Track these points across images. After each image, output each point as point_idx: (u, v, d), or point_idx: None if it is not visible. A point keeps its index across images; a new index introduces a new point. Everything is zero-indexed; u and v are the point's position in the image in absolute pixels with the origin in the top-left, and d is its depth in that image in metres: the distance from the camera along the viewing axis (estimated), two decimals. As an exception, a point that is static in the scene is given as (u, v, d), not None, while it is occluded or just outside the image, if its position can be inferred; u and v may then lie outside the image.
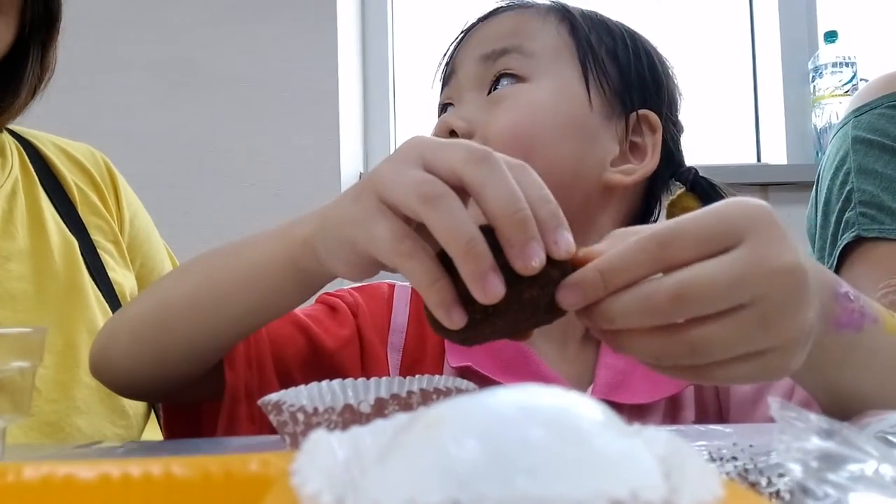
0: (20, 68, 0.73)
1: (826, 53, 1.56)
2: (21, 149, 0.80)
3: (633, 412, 0.58)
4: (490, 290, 0.35)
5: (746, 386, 0.61)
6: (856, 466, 0.27)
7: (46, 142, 0.83)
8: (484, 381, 0.58)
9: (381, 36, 1.71)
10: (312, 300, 0.66)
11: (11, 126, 0.81)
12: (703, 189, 0.66)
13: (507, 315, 0.37)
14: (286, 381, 0.58)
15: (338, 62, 1.51)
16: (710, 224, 0.37)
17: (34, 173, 0.78)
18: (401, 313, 0.65)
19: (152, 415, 0.80)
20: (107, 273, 0.78)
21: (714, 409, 0.63)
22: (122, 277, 0.80)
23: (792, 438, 0.29)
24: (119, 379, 0.57)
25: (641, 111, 0.65)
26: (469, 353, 0.60)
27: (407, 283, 0.67)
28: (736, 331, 0.36)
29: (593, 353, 0.63)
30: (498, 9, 0.68)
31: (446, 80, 0.68)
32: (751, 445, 0.40)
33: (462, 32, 0.68)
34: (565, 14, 0.66)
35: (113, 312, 0.76)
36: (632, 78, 0.66)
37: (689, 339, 0.36)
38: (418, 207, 0.37)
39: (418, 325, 0.64)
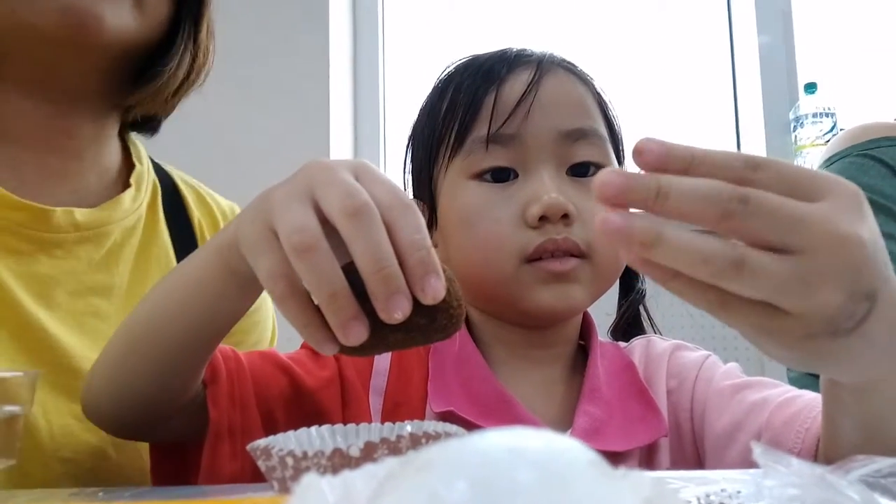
0: (170, 47, 0.68)
1: (806, 104, 1.60)
2: (158, 185, 0.76)
3: (610, 458, 0.57)
4: (351, 336, 0.39)
5: (719, 428, 0.61)
6: (838, 510, 0.27)
7: (190, 188, 0.80)
8: (466, 426, 0.58)
9: (371, 45, 1.75)
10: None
11: (160, 162, 0.79)
12: None
13: (378, 349, 0.41)
14: (269, 419, 0.58)
15: (329, 72, 1.52)
16: (800, 171, 0.37)
17: (161, 214, 0.75)
18: (383, 357, 0.65)
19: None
20: None
21: (691, 454, 0.63)
22: None
23: (776, 483, 0.29)
24: (104, 413, 0.57)
25: None
26: (451, 399, 0.61)
27: None
28: (780, 270, 0.34)
29: (574, 399, 0.64)
30: (538, 64, 0.65)
31: (501, 140, 0.63)
32: (739, 492, 0.40)
33: (526, 90, 0.63)
34: (598, 98, 0.68)
35: None
36: (619, 152, 0.70)
37: (741, 252, 0.34)
38: (290, 256, 0.40)
39: (400, 369, 0.64)
